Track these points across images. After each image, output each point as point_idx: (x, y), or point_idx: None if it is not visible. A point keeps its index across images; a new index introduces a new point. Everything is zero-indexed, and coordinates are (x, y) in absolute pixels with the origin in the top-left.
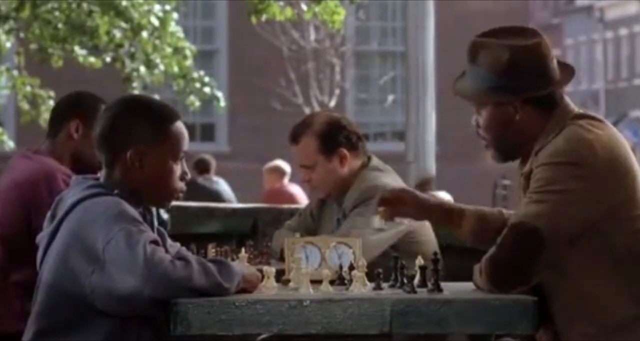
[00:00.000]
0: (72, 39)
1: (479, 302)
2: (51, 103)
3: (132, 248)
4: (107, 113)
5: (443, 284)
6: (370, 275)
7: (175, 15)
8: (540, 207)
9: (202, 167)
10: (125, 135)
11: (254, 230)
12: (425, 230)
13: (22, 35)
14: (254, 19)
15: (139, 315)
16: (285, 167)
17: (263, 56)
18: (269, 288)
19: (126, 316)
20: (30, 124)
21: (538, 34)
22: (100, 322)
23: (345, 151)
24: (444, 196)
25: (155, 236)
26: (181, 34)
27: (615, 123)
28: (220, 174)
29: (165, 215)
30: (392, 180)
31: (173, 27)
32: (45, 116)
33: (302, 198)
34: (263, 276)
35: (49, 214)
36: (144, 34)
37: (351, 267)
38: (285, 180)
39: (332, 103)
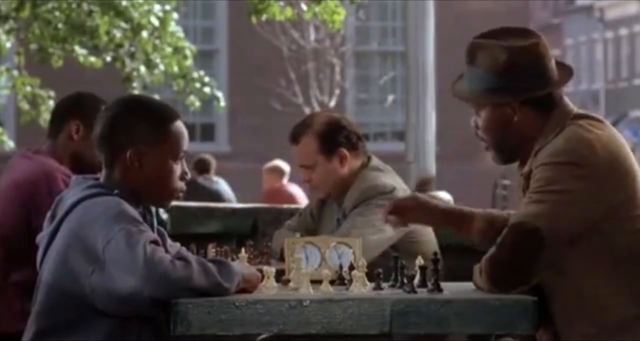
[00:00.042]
0: (72, 39)
1: (479, 302)
2: (51, 103)
3: (132, 248)
4: (106, 113)
5: (443, 284)
6: (370, 275)
7: (175, 15)
8: (541, 207)
9: (202, 167)
10: (124, 135)
11: (254, 230)
12: (425, 230)
13: (22, 35)
14: (254, 19)
15: (139, 315)
16: (285, 166)
17: (263, 56)
18: (269, 288)
19: (126, 316)
20: (30, 124)
21: (536, 35)
22: (100, 322)
23: (345, 151)
24: (444, 196)
25: (155, 236)
26: (181, 34)
27: (615, 123)
28: (220, 174)
29: (164, 215)
30: (392, 180)
31: (173, 27)
32: (45, 116)
33: (301, 198)
34: (263, 276)
35: (49, 214)
36: (144, 33)
37: (351, 267)
38: (285, 180)
39: (332, 103)
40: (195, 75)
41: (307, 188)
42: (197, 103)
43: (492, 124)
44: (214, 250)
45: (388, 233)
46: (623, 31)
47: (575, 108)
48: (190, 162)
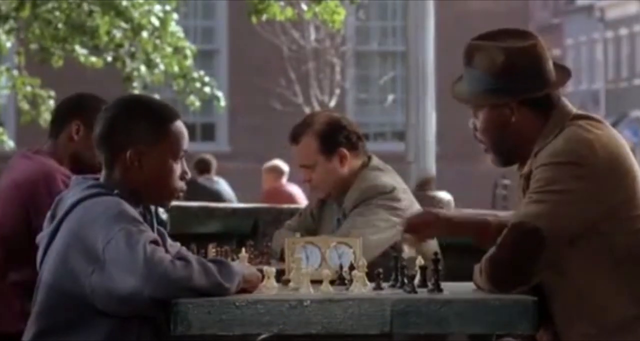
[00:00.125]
0: (72, 39)
1: (479, 302)
2: (51, 103)
3: (132, 248)
4: (106, 113)
5: (443, 284)
6: (371, 275)
7: (175, 15)
8: (541, 207)
9: (202, 167)
10: (124, 135)
11: (254, 230)
12: None
13: (22, 35)
14: (254, 19)
15: (139, 315)
16: (284, 166)
17: (263, 56)
18: (269, 288)
19: (126, 316)
20: (30, 124)
21: (533, 36)
22: (100, 322)
23: (345, 151)
24: (444, 196)
25: (155, 236)
26: (181, 34)
27: (615, 124)
28: (221, 174)
29: (164, 215)
30: (392, 179)
31: (173, 27)
32: (45, 116)
33: (301, 198)
34: (263, 276)
35: (48, 214)
36: (144, 33)
37: (351, 267)
38: (284, 180)
39: (332, 103)
40: (195, 75)
41: (307, 188)
42: (197, 103)
43: (490, 125)
44: (214, 250)
45: (388, 233)
46: (623, 31)
47: (574, 109)
48: (191, 161)
